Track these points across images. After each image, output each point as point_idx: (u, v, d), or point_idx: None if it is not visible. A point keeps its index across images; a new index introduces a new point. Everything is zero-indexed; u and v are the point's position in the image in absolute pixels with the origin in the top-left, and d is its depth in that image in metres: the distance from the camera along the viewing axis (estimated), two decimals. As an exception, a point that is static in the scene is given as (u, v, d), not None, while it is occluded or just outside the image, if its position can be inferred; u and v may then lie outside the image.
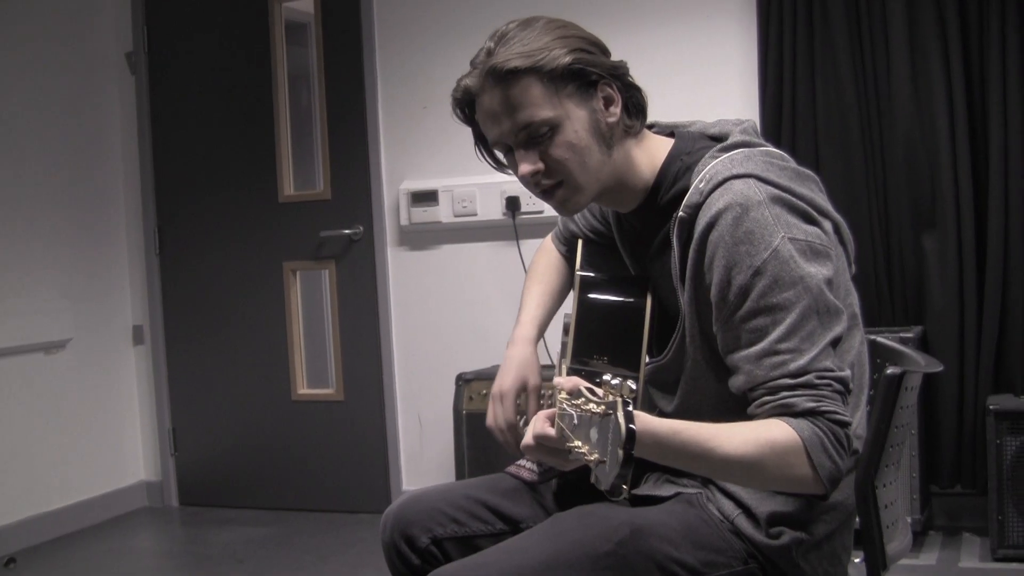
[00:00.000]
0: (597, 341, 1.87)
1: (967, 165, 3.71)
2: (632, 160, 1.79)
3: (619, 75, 1.76)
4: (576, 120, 1.72)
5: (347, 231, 4.66)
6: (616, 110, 1.74)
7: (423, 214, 4.50)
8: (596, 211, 2.06)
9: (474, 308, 4.50)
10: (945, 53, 3.70)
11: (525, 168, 1.73)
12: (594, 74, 1.71)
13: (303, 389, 4.86)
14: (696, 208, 1.67)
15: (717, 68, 4.08)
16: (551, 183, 1.75)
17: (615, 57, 1.79)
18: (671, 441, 1.52)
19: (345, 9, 4.62)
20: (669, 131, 1.86)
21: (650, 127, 1.85)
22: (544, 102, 1.70)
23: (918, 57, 3.74)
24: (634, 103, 1.77)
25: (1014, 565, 3.48)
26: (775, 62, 3.90)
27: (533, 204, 4.28)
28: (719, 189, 1.65)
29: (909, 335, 3.63)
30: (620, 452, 1.33)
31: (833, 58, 3.83)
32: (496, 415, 2.00)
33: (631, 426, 1.33)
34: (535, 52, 1.69)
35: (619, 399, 1.36)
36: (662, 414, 1.87)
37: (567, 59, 1.69)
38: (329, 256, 4.74)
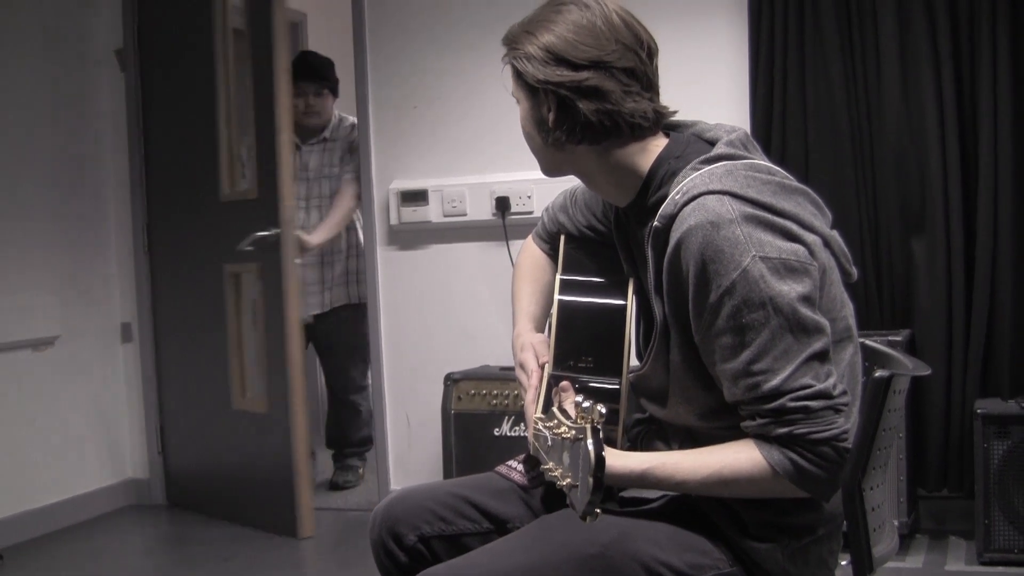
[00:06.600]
0: (581, 345, 1.86)
1: (956, 168, 3.71)
2: (618, 158, 1.78)
3: (561, 95, 1.73)
4: (523, 108, 1.82)
5: (337, 230, 4.66)
6: (551, 117, 1.76)
7: (412, 214, 4.50)
8: (598, 211, 2.05)
9: (463, 308, 4.50)
10: (935, 56, 3.71)
11: None
12: (526, 82, 1.77)
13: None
14: (670, 219, 1.66)
15: (708, 69, 4.07)
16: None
17: None
18: (641, 483, 1.67)
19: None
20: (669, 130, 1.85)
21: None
22: (513, 79, 1.82)
23: (908, 60, 3.75)
24: (583, 123, 1.73)
25: (1000, 569, 3.48)
26: (766, 63, 3.90)
27: (523, 204, 4.28)
28: (692, 204, 1.64)
29: (897, 338, 3.63)
30: (590, 480, 1.34)
31: (824, 60, 3.83)
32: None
33: (602, 454, 1.33)
34: (514, 36, 1.78)
35: (588, 426, 1.36)
36: (652, 418, 1.88)
37: (508, 55, 1.79)
38: (319, 255, 4.72)
